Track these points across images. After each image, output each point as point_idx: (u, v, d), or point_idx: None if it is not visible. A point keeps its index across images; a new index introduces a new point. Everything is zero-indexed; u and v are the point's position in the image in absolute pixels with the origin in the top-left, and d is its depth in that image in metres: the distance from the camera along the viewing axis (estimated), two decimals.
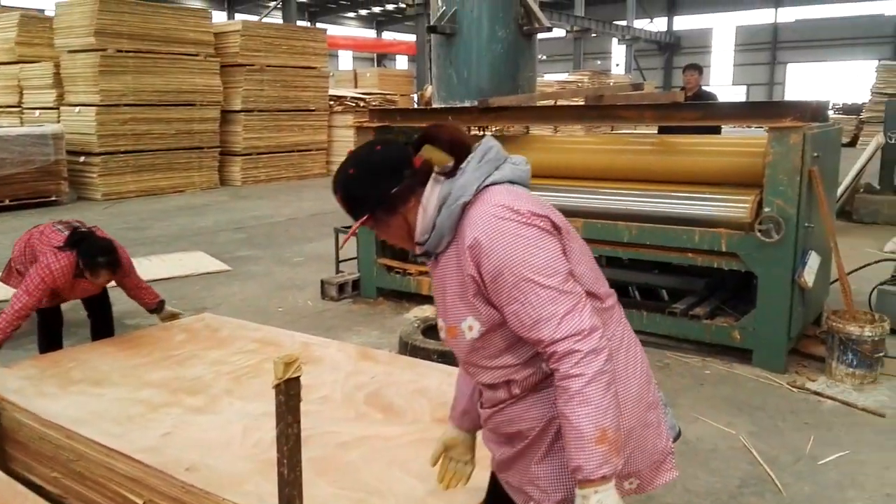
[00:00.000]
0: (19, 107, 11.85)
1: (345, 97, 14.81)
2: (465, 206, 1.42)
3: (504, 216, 1.37)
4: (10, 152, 9.51)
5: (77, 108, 10.69)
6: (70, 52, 10.75)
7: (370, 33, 35.85)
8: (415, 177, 1.46)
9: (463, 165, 1.46)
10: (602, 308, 1.47)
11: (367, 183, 1.47)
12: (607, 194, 4.33)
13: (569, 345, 1.31)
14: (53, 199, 10.05)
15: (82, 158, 10.55)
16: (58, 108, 11.03)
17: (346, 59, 34.45)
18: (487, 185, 1.44)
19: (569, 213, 1.87)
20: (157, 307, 3.61)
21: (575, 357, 1.31)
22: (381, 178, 1.46)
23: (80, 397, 2.63)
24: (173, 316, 3.65)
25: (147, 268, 5.75)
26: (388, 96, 15.91)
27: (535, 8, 5.11)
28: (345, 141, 13.48)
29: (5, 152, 9.46)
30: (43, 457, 2.49)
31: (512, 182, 1.48)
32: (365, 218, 1.48)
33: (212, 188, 11.96)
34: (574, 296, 1.35)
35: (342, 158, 1.57)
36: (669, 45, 32.64)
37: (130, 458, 2.15)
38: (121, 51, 10.56)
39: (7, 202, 9.52)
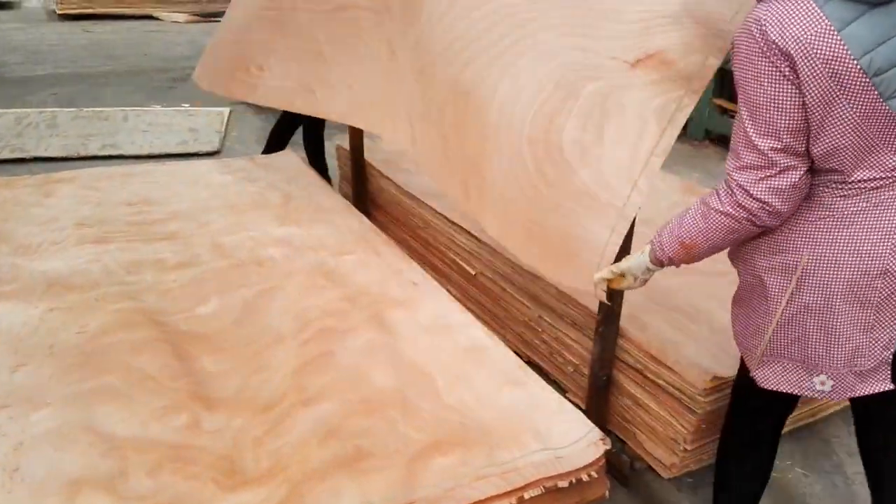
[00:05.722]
0: None
1: None
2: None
3: (747, 30, 1.17)
4: None
5: None
6: None
7: None
8: None
9: None
10: (843, 183, 1.22)
11: None
12: None
13: (727, 183, 1.25)
14: None
15: None
16: None
17: None
18: None
19: None
20: None
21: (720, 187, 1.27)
22: None
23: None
24: None
25: None
26: None
27: None
28: None
29: None
30: (397, 220, 2.94)
31: None
32: None
33: None
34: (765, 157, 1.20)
35: None
36: None
37: (469, 232, 2.44)
38: None
39: None
